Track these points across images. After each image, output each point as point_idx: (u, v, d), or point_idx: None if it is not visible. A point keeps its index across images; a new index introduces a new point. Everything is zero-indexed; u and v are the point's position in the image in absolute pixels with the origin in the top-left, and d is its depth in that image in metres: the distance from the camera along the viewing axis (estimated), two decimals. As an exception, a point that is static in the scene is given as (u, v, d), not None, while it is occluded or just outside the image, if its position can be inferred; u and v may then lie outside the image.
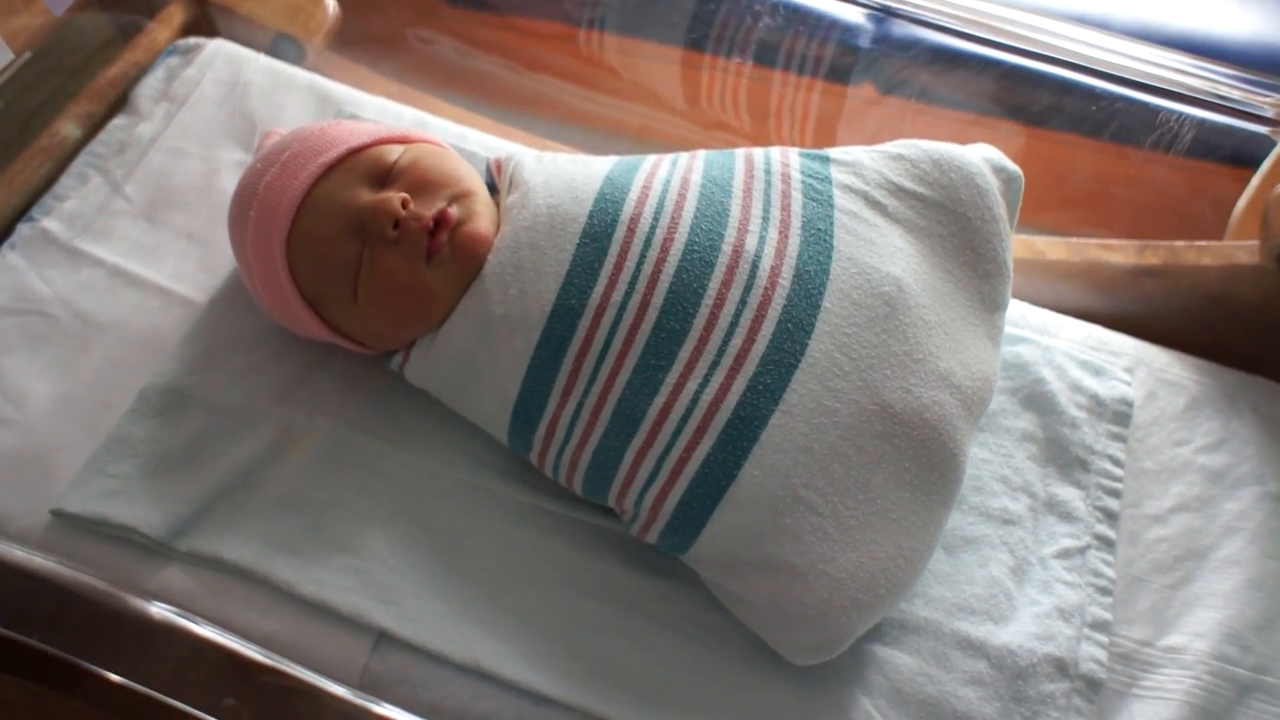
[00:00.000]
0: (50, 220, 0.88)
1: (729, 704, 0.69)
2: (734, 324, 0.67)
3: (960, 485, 0.70)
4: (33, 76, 0.94)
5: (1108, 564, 0.77)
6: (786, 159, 0.76)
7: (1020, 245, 0.96)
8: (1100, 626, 0.74)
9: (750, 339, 0.67)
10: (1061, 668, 0.71)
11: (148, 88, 0.97)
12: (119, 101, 0.97)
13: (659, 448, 0.67)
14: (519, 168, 0.77)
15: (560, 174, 0.75)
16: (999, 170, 0.78)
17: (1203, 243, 0.90)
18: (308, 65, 1.03)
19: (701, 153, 0.78)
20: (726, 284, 0.68)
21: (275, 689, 0.65)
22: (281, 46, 1.06)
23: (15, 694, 0.70)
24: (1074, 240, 0.96)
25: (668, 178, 0.73)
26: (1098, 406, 0.83)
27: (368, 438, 0.78)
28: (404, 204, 0.70)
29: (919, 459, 0.68)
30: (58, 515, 0.73)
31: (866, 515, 0.66)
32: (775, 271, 0.68)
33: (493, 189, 0.80)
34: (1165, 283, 0.92)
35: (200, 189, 0.91)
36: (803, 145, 0.79)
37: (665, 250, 0.69)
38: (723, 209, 0.71)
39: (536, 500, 0.76)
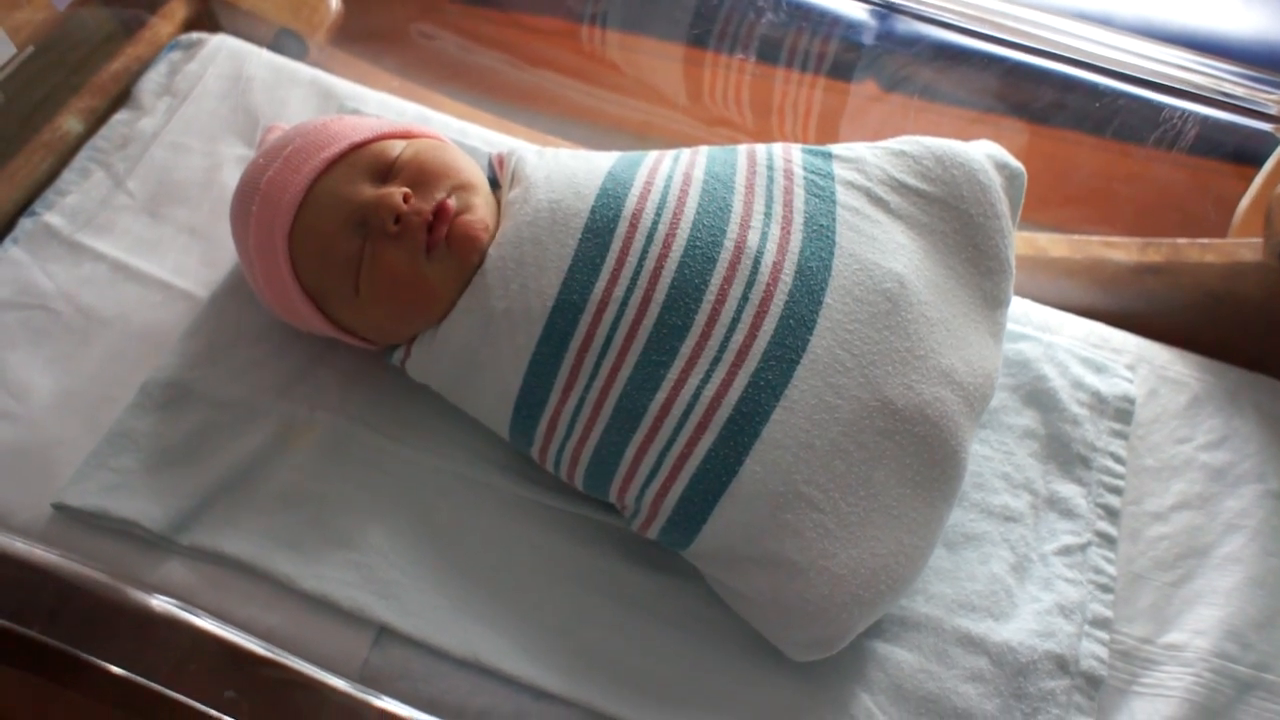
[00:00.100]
0: (52, 215, 0.88)
1: (729, 700, 0.69)
2: (736, 320, 0.67)
3: (961, 482, 0.70)
4: (35, 71, 0.94)
5: (1109, 561, 0.77)
6: (789, 155, 0.76)
7: (1023, 242, 0.95)
8: (1101, 623, 0.74)
9: (752, 335, 0.67)
10: (1062, 665, 0.71)
11: (150, 82, 0.97)
12: (121, 96, 0.97)
13: (660, 443, 0.67)
14: (521, 163, 0.77)
15: (562, 169, 0.75)
16: (1001, 167, 0.78)
17: (1205, 240, 0.90)
18: (310, 60, 1.04)
19: (704, 149, 0.77)
20: (728, 280, 0.68)
21: (275, 682, 0.65)
22: (284, 42, 1.06)
23: (16, 687, 0.70)
24: (1076, 237, 0.96)
25: (670, 173, 0.73)
26: (1099, 404, 0.83)
27: (369, 433, 0.78)
28: (405, 198, 0.70)
29: (920, 455, 0.68)
30: (59, 509, 0.73)
31: (867, 511, 0.66)
32: (777, 267, 0.68)
33: (495, 184, 0.80)
34: (1167, 280, 0.92)
35: (202, 184, 0.91)
36: (805, 142, 0.79)
37: (667, 246, 0.69)
38: (725, 205, 0.71)
39: (538, 496, 0.76)
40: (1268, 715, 0.72)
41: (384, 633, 0.70)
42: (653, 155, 0.77)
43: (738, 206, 0.71)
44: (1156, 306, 0.93)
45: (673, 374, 0.67)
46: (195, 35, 1.01)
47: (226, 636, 0.67)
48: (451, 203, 0.71)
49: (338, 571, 0.71)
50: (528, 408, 0.70)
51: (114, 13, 1.02)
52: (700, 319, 0.67)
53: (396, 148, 0.74)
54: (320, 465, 0.76)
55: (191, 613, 0.68)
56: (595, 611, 0.72)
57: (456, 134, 0.95)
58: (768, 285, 0.68)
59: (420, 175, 0.72)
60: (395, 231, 0.70)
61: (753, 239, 0.69)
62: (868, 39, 1.06)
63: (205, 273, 0.86)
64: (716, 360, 0.66)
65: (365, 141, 0.74)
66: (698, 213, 0.70)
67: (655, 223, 0.70)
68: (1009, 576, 0.75)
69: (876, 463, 0.67)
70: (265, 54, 1.01)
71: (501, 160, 0.79)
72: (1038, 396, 0.83)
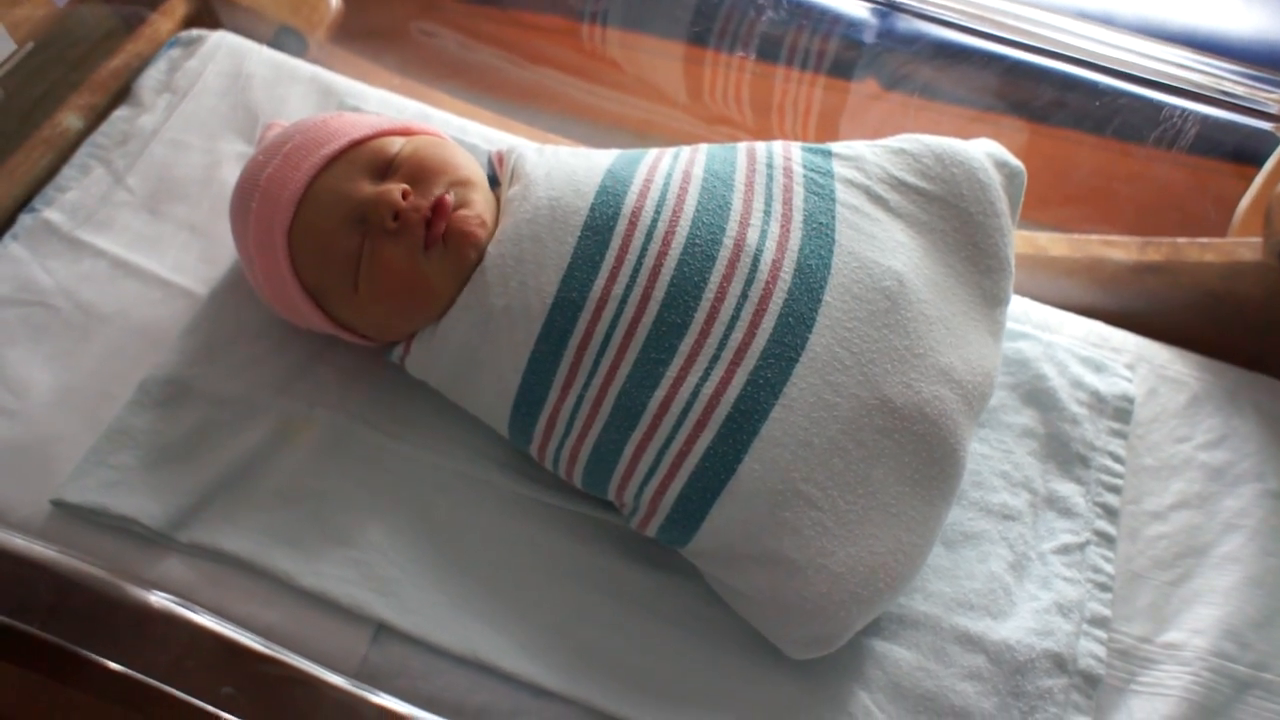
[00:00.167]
0: (52, 211, 0.88)
1: (727, 697, 0.69)
2: (735, 318, 0.67)
3: (960, 480, 0.70)
4: (35, 67, 0.94)
5: (1107, 560, 0.77)
6: (788, 153, 0.76)
7: (1022, 241, 0.95)
8: (1099, 622, 0.74)
9: (751, 333, 0.67)
10: (1060, 663, 0.71)
11: (150, 79, 0.97)
12: (121, 93, 0.97)
13: (659, 441, 0.67)
14: (520, 160, 0.77)
15: (562, 167, 0.75)
16: (1001, 165, 0.78)
17: (1205, 239, 0.90)
18: (310, 58, 1.03)
19: (703, 146, 0.77)
20: (728, 278, 0.68)
21: (273, 678, 0.65)
22: (284, 39, 1.06)
23: (15, 681, 0.70)
24: (1076, 236, 0.96)
25: (669, 171, 0.73)
26: (1099, 403, 0.83)
27: (368, 430, 0.78)
28: (404, 195, 0.70)
29: (919, 454, 0.68)
30: (58, 505, 0.73)
31: (866, 510, 0.66)
32: (776, 265, 0.68)
33: (494, 182, 0.80)
34: (1167, 279, 0.91)
35: (202, 181, 0.91)
36: (806, 140, 0.79)
37: (667, 244, 0.69)
38: (724, 203, 0.71)
39: (536, 493, 0.76)
40: (1265, 714, 0.72)
41: (383, 630, 0.70)
42: (652, 153, 0.77)
43: (737, 204, 0.71)
44: (1156, 306, 0.93)
45: (672, 371, 0.67)
46: (195, 32, 1.01)
47: (225, 633, 0.67)
48: (450, 198, 0.71)
49: (336, 568, 0.71)
50: (527, 405, 0.70)
51: (114, 9, 1.02)
52: (699, 316, 0.67)
53: (396, 144, 0.74)
54: (319, 462, 0.76)
55: (190, 609, 0.68)
56: (594, 609, 0.72)
57: (456, 131, 0.95)
58: (767, 283, 0.68)
59: (419, 172, 0.72)
60: (394, 228, 0.70)
61: (752, 237, 0.69)
62: (868, 37, 1.06)
63: (205, 270, 0.86)
64: (715, 358, 0.66)
65: (364, 138, 0.74)
66: (697, 210, 0.70)
67: (655, 220, 0.70)
68: (1007, 575, 0.75)
69: (875, 461, 0.67)
70: (265, 51, 1.01)
71: (501, 158, 0.79)
72: (1037, 395, 0.83)
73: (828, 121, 1.11)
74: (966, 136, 0.79)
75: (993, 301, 0.76)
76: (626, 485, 0.69)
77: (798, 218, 0.71)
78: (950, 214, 0.75)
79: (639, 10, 1.16)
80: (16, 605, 0.66)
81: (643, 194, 0.71)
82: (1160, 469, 0.82)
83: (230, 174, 0.91)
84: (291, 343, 0.81)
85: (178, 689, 0.63)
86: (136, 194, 0.90)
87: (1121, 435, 0.82)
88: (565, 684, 0.68)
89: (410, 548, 0.73)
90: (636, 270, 0.68)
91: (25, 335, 0.81)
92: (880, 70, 1.07)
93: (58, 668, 0.64)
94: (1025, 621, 0.73)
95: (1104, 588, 0.75)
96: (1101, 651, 0.73)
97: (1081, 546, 0.77)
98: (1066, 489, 0.79)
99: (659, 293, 0.67)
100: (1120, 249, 0.93)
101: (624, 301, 0.68)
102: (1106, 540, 0.78)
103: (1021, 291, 0.91)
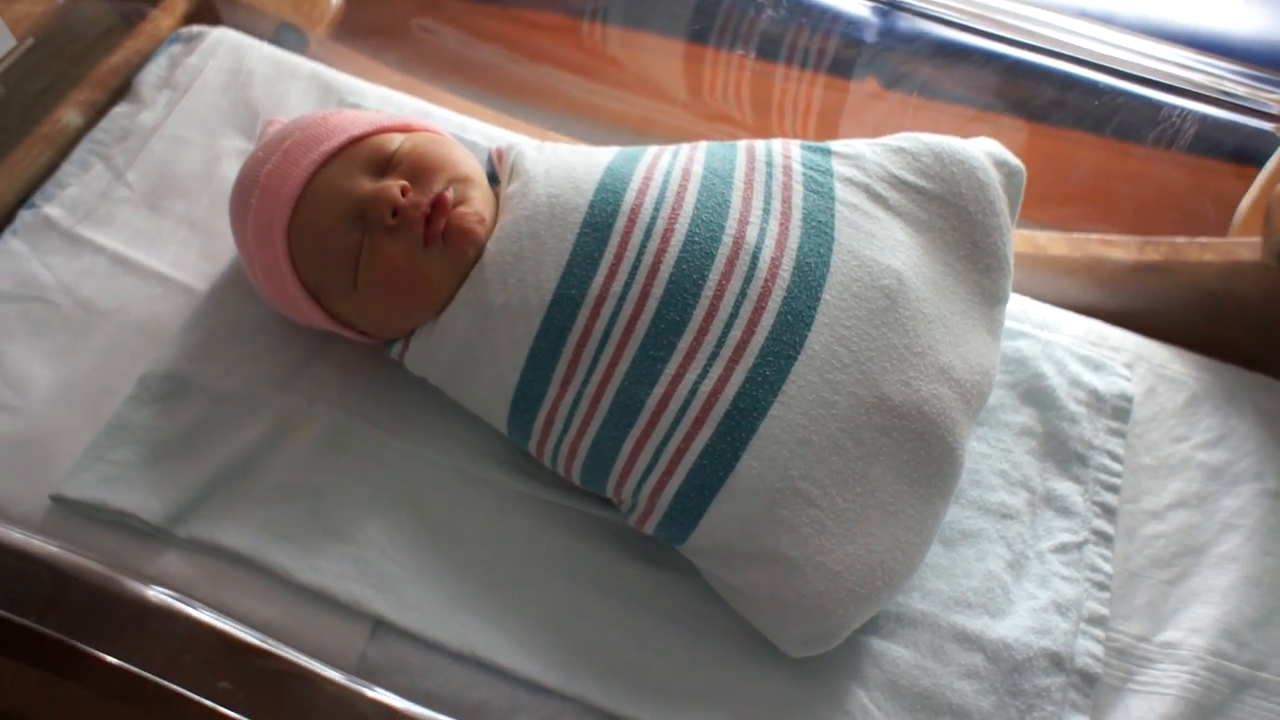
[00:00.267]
0: (52, 207, 0.88)
1: (725, 695, 0.69)
2: (733, 315, 0.67)
3: (958, 479, 0.70)
4: (35, 63, 0.94)
5: (1105, 559, 0.77)
6: (788, 151, 0.76)
7: (1021, 240, 0.95)
8: (1097, 621, 0.74)
9: (750, 330, 0.67)
10: (1057, 662, 0.71)
11: (150, 75, 0.97)
12: (121, 89, 0.97)
13: (657, 438, 0.67)
14: (520, 157, 0.77)
15: (561, 164, 0.75)
16: (1001, 164, 0.78)
17: (1204, 239, 0.90)
18: (310, 55, 1.04)
19: (703, 144, 0.78)
20: (726, 275, 0.68)
21: (271, 673, 0.65)
22: (284, 36, 1.06)
23: (14, 676, 0.70)
24: (1075, 236, 0.96)
25: (669, 168, 0.73)
26: (1097, 402, 0.83)
27: (367, 426, 0.78)
28: (404, 192, 0.70)
29: (917, 452, 0.68)
30: (58, 501, 0.73)
31: (864, 508, 0.66)
32: (775, 263, 0.68)
33: (494, 179, 0.80)
34: (1166, 279, 0.92)
35: (202, 177, 0.91)
36: (805, 138, 0.79)
37: (665, 241, 0.69)
38: (723, 200, 0.71)
39: (535, 490, 0.76)
40: (1263, 713, 0.72)
41: (380, 626, 0.70)
42: (652, 150, 0.77)
43: (736, 202, 0.71)
44: (1155, 305, 0.93)
45: (670, 369, 0.67)
46: (195, 29, 1.01)
47: (223, 628, 0.67)
48: (449, 195, 0.71)
49: (335, 564, 0.71)
50: (525, 402, 0.70)
51: (114, 5, 1.02)
52: (698, 314, 0.67)
53: (395, 141, 0.74)
54: (318, 458, 0.76)
55: (188, 604, 0.68)
56: (592, 606, 0.72)
57: (456, 129, 0.95)
58: (766, 281, 0.68)
59: (418, 168, 0.72)
60: (393, 224, 0.70)
61: (751, 234, 0.69)
62: (868, 36, 1.06)
63: (204, 266, 0.86)
64: (714, 355, 0.66)
65: (364, 135, 0.74)
66: (696, 208, 0.70)
67: (654, 217, 0.70)
68: (1005, 574, 0.75)
69: (873, 459, 0.67)
70: (265, 48, 1.01)
71: (501, 155, 0.79)
72: (1035, 394, 0.83)
73: (827, 120, 1.11)
74: (966, 135, 0.79)
75: (992, 300, 0.76)
76: (625, 482, 0.69)
77: (797, 216, 0.71)
78: (949, 213, 0.75)
79: (639, 8, 1.16)
80: (16, 600, 0.66)
81: (642, 191, 0.71)
82: (1158, 468, 0.82)
83: (230, 170, 0.91)
84: (291, 339, 0.81)
85: (176, 684, 0.63)
86: (136, 190, 0.90)
87: (1120, 434, 0.82)
88: (563, 680, 0.68)
89: (409, 544, 0.73)
90: (635, 267, 0.68)
91: (25, 331, 0.81)
92: (880, 69, 1.07)
93: (57, 662, 0.65)
94: (1023, 620, 0.73)
95: (1102, 587, 0.75)
96: (1099, 650, 0.73)
97: (1079, 545, 0.77)
98: (1065, 488, 0.79)
99: (658, 290, 0.68)
100: (1119, 248, 0.93)
101: (623, 298, 0.68)
102: (1104, 539, 0.78)
103: (1020, 290, 0.91)
